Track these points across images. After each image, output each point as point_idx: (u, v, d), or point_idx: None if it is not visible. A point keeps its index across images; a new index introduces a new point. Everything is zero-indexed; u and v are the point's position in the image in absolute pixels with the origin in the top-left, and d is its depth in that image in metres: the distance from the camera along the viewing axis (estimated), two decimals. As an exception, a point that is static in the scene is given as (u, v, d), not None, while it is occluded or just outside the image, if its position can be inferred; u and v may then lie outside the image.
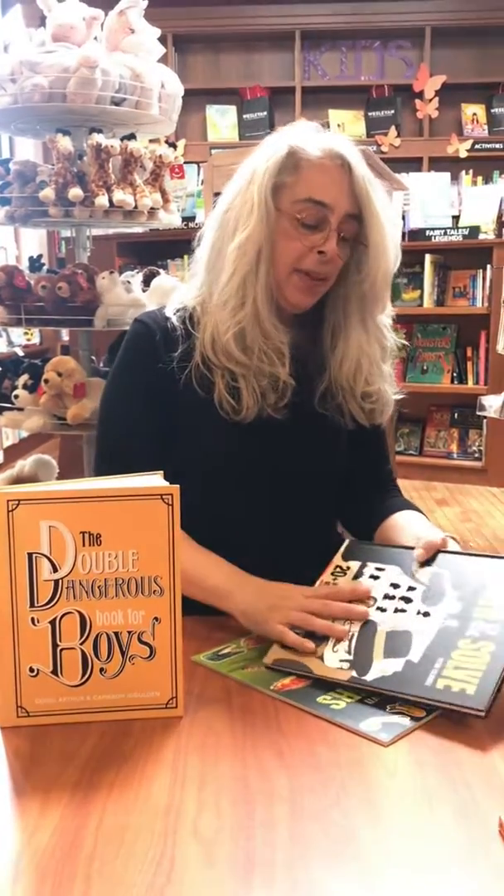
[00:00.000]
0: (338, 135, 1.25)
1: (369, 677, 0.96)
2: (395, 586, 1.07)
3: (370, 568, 1.12)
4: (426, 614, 1.02)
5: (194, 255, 1.31)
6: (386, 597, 1.06)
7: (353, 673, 0.97)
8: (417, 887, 0.67)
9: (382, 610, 1.05)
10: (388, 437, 1.53)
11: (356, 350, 1.29)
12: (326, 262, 1.22)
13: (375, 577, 1.10)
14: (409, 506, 1.39)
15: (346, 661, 0.99)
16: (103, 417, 1.31)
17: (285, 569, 1.16)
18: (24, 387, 2.36)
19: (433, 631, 0.99)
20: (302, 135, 1.23)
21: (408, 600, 1.05)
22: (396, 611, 1.04)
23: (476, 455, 4.77)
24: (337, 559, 1.15)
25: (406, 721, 0.90)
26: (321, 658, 1.01)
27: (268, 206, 1.19)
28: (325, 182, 1.20)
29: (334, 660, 1.00)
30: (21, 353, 4.68)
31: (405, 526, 1.29)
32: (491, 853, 0.70)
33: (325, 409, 1.30)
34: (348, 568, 1.13)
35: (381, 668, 0.96)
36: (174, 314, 1.28)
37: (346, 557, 1.15)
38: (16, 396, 2.36)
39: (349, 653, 1.00)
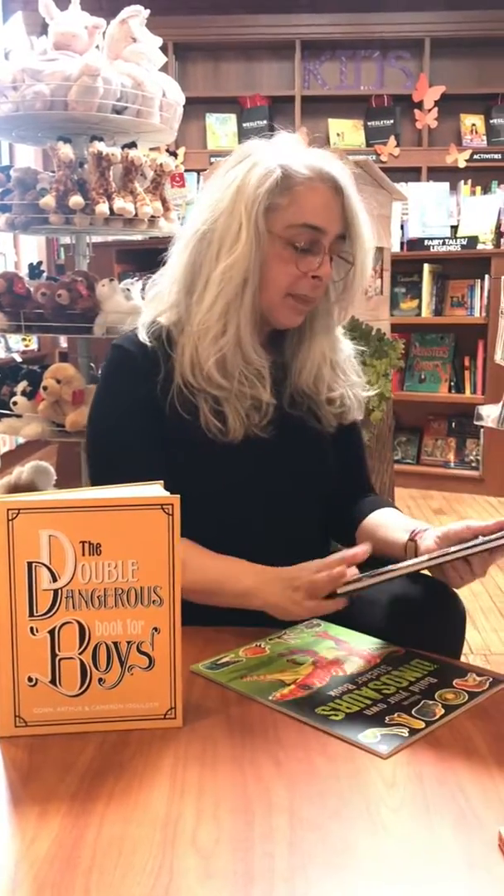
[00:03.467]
0: (325, 152, 1.24)
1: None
2: None
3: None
4: None
5: (163, 268, 1.29)
6: None
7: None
8: (416, 900, 0.67)
9: None
10: (385, 446, 1.53)
11: (318, 357, 1.30)
12: (318, 286, 1.22)
13: None
14: (387, 504, 1.38)
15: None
16: (96, 443, 1.27)
17: (277, 562, 1.16)
18: (23, 393, 2.36)
19: None
20: (290, 153, 1.21)
21: None
22: None
23: (473, 464, 4.77)
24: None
25: (405, 732, 0.90)
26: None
27: (259, 227, 1.17)
28: (320, 205, 1.19)
29: None
30: (19, 360, 4.68)
31: (388, 523, 1.29)
32: (491, 867, 0.70)
33: (298, 413, 1.30)
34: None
35: None
36: (149, 335, 1.24)
37: None
38: (14, 403, 2.36)
39: None
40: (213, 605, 1.16)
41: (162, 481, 1.00)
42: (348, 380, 1.34)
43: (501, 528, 1.09)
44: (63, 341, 4.98)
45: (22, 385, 2.37)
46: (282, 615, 1.13)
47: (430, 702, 0.96)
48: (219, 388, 1.21)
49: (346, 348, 1.38)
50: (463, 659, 1.18)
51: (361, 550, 1.11)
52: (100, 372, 1.31)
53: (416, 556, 1.15)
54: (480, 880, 0.69)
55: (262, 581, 1.14)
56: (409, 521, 1.27)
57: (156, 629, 0.91)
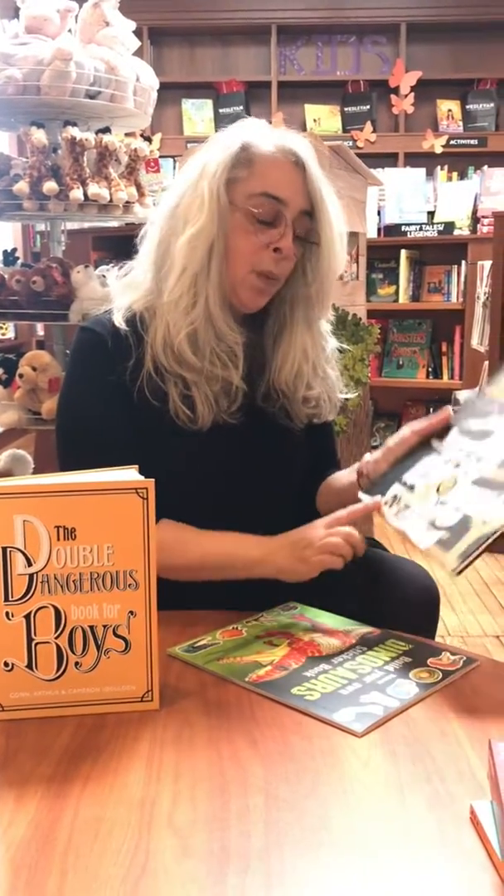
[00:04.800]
0: (290, 132, 1.24)
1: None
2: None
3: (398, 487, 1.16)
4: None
5: (137, 253, 1.28)
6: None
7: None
8: (390, 872, 0.68)
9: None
10: (363, 431, 1.54)
11: (300, 353, 1.28)
12: (282, 260, 1.21)
13: (412, 488, 1.14)
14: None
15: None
16: (66, 431, 1.25)
17: None
18: (-1, 381, 2.34)
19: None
20: (255, 131, 1.22)
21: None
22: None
23: (451, 449, 4.80)
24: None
25: (380, 711, 0.90)
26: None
27: (220, 200, 1.17)
28: (280, 177, 1.19)
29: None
30: (-5, 348, 4.64)
31: (338, 475, 1.34)
32: (462, 840, 0.71)
33: (271, 409, 1.30)
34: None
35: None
36: (121, 318, 1.23)
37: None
38: (-10, 391, 2.34)
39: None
40: (222, 579, 1.18)
41: (136, 466, 0.99)
42: (327, 380, 1.33)
43: (446, 420, 1.15)
44: (40, 329, 4.95)
45: (-3, 373, 2.36)
46: (295, 577, 1.15)
47: (405, 681, 0.97)
48: (190, 368, 1.20)
49: (329, 347, 1.36)
50: (440, 641, 1.20)
51: (363, 506, 1.15)
52: (69, 356, 1.30)
53: (371, 486, 1.20)
54: (452, 853, 0.70)
55: (271, 549, 1.16)
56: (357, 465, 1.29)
57: (132, 612, 0.92)
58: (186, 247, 1.18)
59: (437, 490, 1.10)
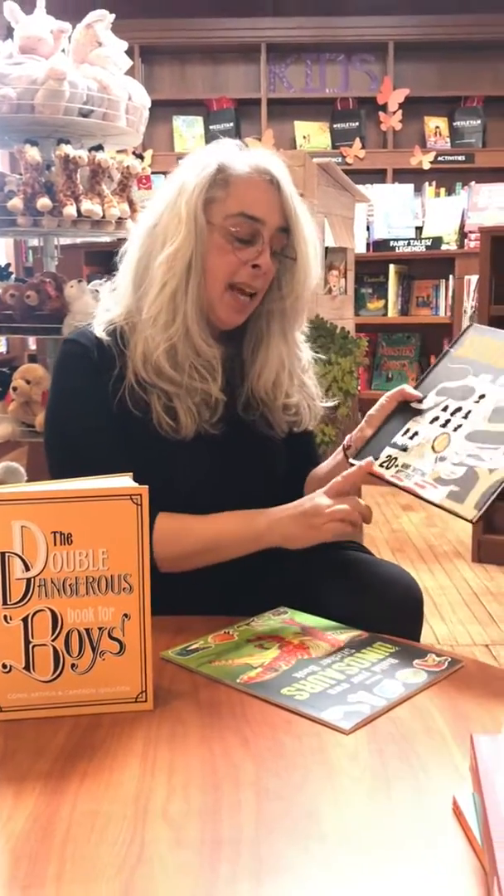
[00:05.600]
0: (264, 151, 1.28)
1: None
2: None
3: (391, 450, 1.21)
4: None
5: (119, 270, 1.31)
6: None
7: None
8: (377, 861, 0.71)
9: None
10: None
11: (276, 363, 1.31)
12: (259, 276, 1.24)
13: (405, 448, 1.19)
14: None
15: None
16: (54, 441, 1.27)
17: (236, 570, 1.22)
18: (-7, 394, 2.37)
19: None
20: (230, 152, 1.26)
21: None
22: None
23: (440, 461, 4.85)
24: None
25: (367, 709, 0.93)
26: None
27: (198, 219, 1.21)
28: (257, 197, 1.23)
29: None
30: (-12, 362, 4.67)
31: (322, 465, 1.37)
32: (446, 829, 0.74)
33: (251, 418, 1.33)
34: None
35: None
36: (104, 332, 1.26)
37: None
38: (-16, 404, 2.37)
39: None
40: (227, 558, 1.21)
41: (130, 473, 1.02)
42: (306, 389, 1.37)
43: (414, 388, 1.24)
44: (32, 343, 4.99)
45: (-9, 386, 2.39)
46: (304, 544, 1.19)
47: (392, 681, 1.00)
48: (170, 381, 1.23)
49: (305, 357, 1.39)
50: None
51: (356, 468, 1.18)
52: (53, 368, 1.32)
53: (358, 454, 1.25)
54: (436, 841, 0.73)
55: (275, 518, 1.19)
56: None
57: (126, 615, 0.95)
58: (165, 265, 1.21)
59: (433, 448, 1.16)
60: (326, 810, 0.77)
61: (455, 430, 1.16)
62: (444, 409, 1.20)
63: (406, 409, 1.24)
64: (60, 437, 1.27)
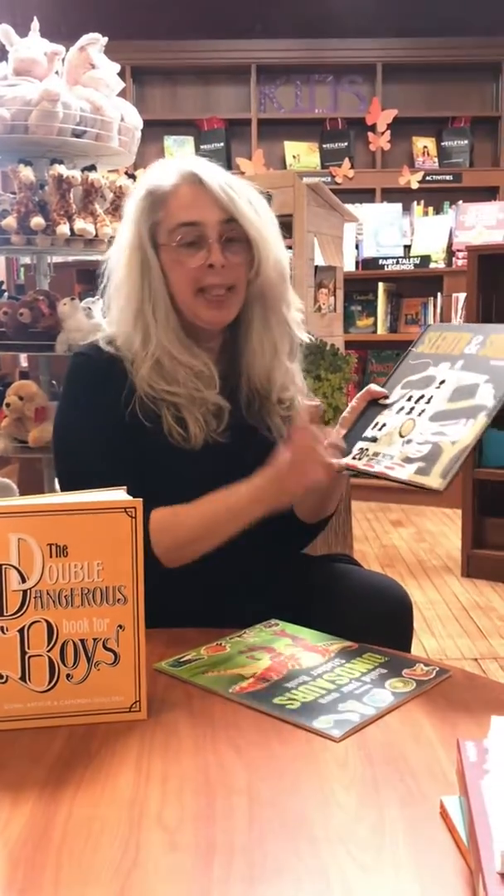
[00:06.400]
0: (189, 156, 1.32)
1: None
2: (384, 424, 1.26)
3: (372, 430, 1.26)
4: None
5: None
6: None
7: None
8: (367, 863, 0.72)
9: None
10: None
11: (258, 348, 1.33)
12: (219, 273, 1.26)
13: (374, 439, 1.24)
14: None
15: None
16: (63, 451, 1.31)
17: (227, 583, 1.24)
18: (-14, 411, 2.39)
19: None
20: (156, 173, 1.30)
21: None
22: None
23: (430, 477, 4.87)
24: None
25: (356, 718, 0.95)
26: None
27: (147, 251, 1.27)
28: (188, 203, 1.26)
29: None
30: (-21, 379, 4.68)
31: None
32: (434, 834, 0.76)
33: (253, 422, 1.35)
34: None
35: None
36: (110, 346, 1.30)
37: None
38: (-23, 420, 2.39)
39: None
40: (225, 537, 1.22)
41: (125, 487, 1.05)
42: (296, 384, 1.39)
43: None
44: (24, 360, 4.99)
45: (-16, 402, 2.40)
46: (288, 504, 1.24)
47: (381, 690, 1.02)
48: (170, 393, 1.27)
49: (295, 340, 1.39)
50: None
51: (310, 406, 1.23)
52: (64, 379, 1.35)
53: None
54: (424, 843, 0.75)
55: (257, 486, 1.21)
56: None
57: (120, 626, 0.96)
58: (125, 293, 1.28)
59: (400, 434, 1.21)
60: (317, 815, 0.79)
61: (419, 414, 1.21)
62: (409, 399, 1.25)
63: (375, 407, 1.30)
64: (69, 447, 1.30)
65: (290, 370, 1.37)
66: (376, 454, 1.21)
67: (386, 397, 1.29)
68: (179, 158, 1.33)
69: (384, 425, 1.25)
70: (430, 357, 1.29)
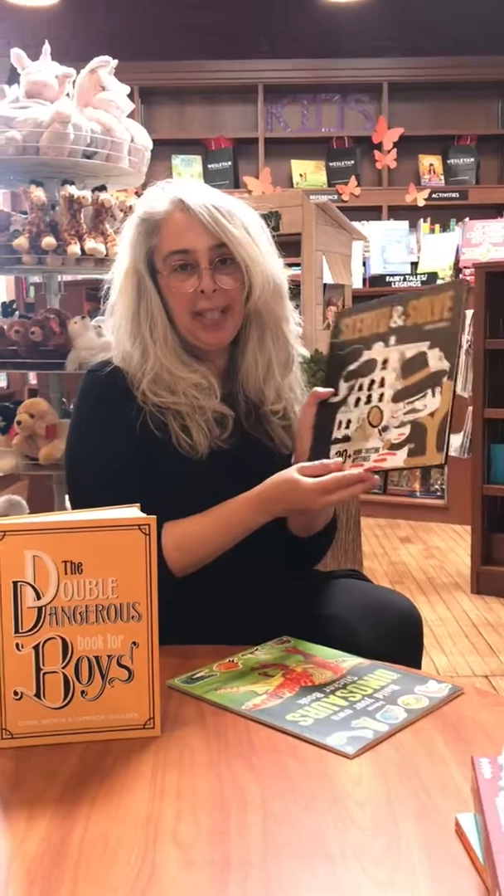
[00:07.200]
0: (178, 181, 1.35)
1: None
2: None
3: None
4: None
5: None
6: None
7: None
8: (383, 880, 0.72)
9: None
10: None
11: (252, 364, 1.35)
12: (212, 297, 1.28)
13: (347, 438, 1.23)
14: None
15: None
16: (76, 468, 1.33)
17: (246, 584, 1.26)
18: (-3, 428, 2.41)
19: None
20: (150, 199, 1.33)
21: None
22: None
23: (438, 493, 4.87)
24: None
25: (370, 735, 0.96)
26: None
27: (143, 277, 1.30)
28: (177, 231, 1.28)
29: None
30: (-12, 397, 4.71)
31: None
32: (449, 850, 0.76)
33: (254, 432, 1.36)
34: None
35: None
36: (120, 362, 1.33)
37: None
38: (-12, 438, 2.41)
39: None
40: (233, 543, 1.26)
41: (139, 504, 1.06)
42: (295, 395, 1.40)
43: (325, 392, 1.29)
44: (32, 378, 5.03)
45: (-5, 420, 2.42)
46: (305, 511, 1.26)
47: (394, 706, 1.02)
48: (173, 403, 1.29)
49: (291, 354, 1.41)
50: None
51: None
52: (75, 398, 1.37)
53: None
54: (439, 861, 0.75)
55: (254, 510, 1.24)
56: None
57: (135, 643, 0.97)
58: (117, 326, 1.32)
59: (370, 424, 1.20)
60: (332, 832, 0.79)
61: (380, 399, 1.21)
62: (360, 389, 1.24)
63: (327, 408, 1.28)
64: (82, 465, 1.32)
65: (282, 384, 1.39)
66: (358, 452, 1.21)
67: (335, 394, 1.28)
68: (172, 183, 1.34)
69: (349, 422, 1.24)
70: (359, 342, 1.28)
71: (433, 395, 1.14)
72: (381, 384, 1.21)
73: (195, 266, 1.28)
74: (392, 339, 1.23)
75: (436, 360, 1.15)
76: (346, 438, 1.23)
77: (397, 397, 1.18)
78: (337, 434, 1.25)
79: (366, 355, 1.26)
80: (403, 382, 1.19)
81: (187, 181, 1.35)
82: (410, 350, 1.19)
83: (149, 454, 1.28)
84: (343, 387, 1.28)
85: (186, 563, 1.25)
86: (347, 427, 1.24)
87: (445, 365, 1.14)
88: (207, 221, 1.26)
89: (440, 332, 1.17)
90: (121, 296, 1.33)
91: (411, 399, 1.16)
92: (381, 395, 1.21)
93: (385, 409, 1.19)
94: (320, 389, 1.29)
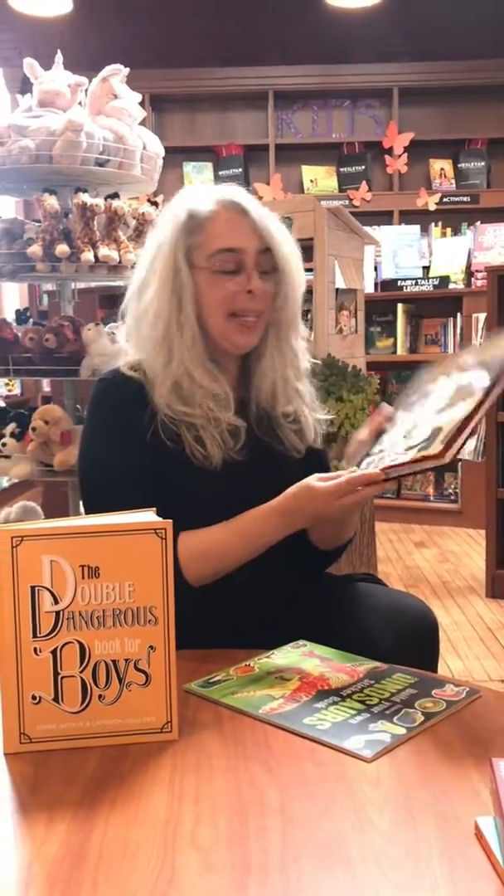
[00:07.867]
0: (227, 185, 1.35)
1: None
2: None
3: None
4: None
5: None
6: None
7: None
8: (402, 884, 0.72)
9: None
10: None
11: (269, 370, 1.37)
12: (255, 299, 1.30)
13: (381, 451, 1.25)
14: None
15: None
16: (89, 476, 1.33)
17: (264, 592, 1.26)
18: (12, 435, 2.42)
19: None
20: (194, 196, 1.33)
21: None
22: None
23: (452, 497, 4.86)
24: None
25: (388, 738, 0.95)
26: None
27: (181, 271, 1.28)
28: (230, 230, 1.29)
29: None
30: (2, 404, 4.73)
31: None
32: (468, 853, 0.76)
33: (267, 438, 1.37)
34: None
35: None
36: (132, 371, 1.33)
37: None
38: (3, 444, 2.42)
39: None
40: (251, 555, 1.26)
41: (154, 508, 1.06)
42: (304, 400, 1.41)
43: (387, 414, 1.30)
44: (46, 385, 5.04)
45: (10, 427, 2.44)
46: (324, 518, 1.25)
47: (411, 710, 1.02)
48: (187, 415, 1.29)
49: (303, 365, 1.43)
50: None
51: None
52: (87, 405, 1.38)
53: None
54: (459, 864, 0.75)
55: (273, 525, 1.24)
56: None
57: (152, 647, 0.97)
58: (149, 324, 1.30)
59: (404, 437, 1.23)
60: (351, 835, 0.79)
61: (421, 424, 1.22)
62: (410, 418, 1.26)
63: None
64: (95, 472, 1.32)
65: (294, 388, 1.40)
66: (381, 460, 1.22)
67: (390, 419, 1.30)
68: (215, 186, 1.35)
69: (385, 438, 1.27)
70: (429, 379, 1.30)
71: (462, 406, 1.15)
72: (428, 400, 1.23)
73: (241, 267, 1.29)
74: (454, 373, 1.24)
75: (481, 380, 1.16)
76: (379, 452, 1.25)
77: (436, 412, 1.20)
78: (373, 449, 1.27)
79: (427, 387, 1.28)
80: (446, 402, 1.20)
81: (230, 185, 1.34)
82: (466, 378, 1.20)
83: (160, 464, 1.28)
84: (399, 414, 1.29)
85: (203, 574, 1.24)
86: (384, 444, 1.25)
87: (486, 383, 1.15)
88: (259, 225, 1.29)
89: (496, 361, 1.18)
90: (153, 293, 1.30)
91: (444, 410, 1.18)
92: (424, 413, 1.22)
93: (419, 423, 1.21)
94: (386, 406, 1.31)
